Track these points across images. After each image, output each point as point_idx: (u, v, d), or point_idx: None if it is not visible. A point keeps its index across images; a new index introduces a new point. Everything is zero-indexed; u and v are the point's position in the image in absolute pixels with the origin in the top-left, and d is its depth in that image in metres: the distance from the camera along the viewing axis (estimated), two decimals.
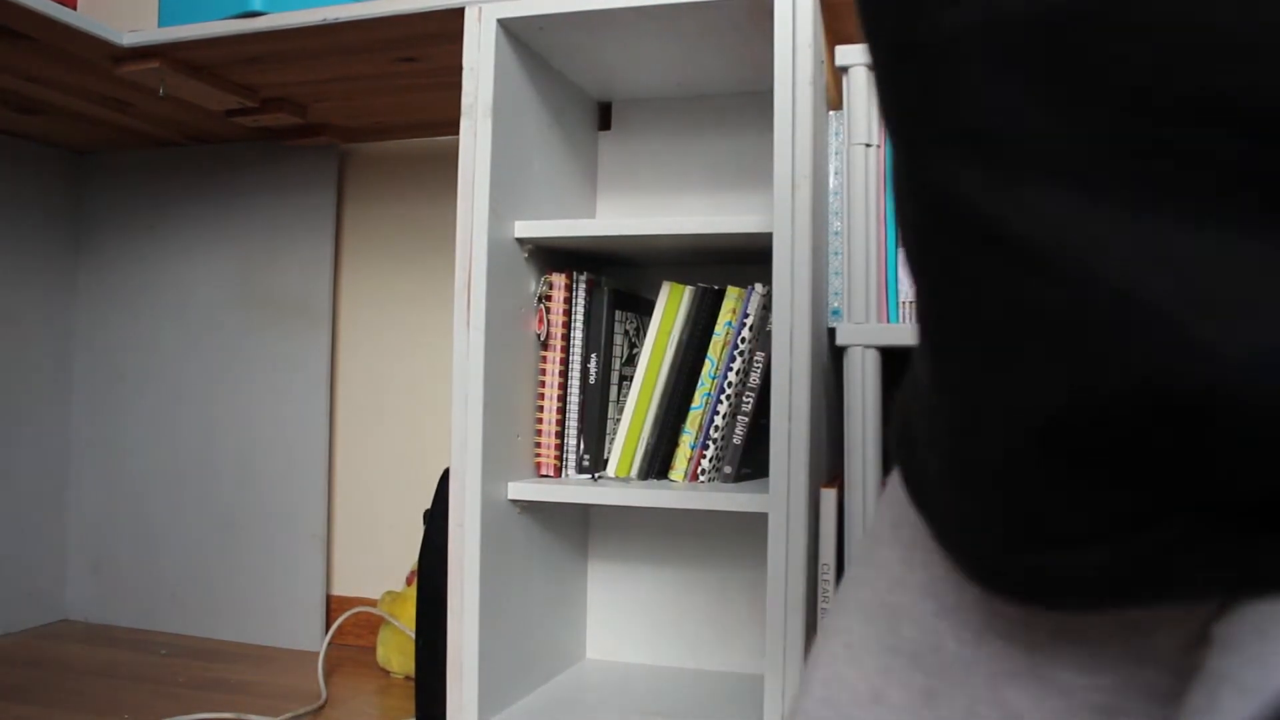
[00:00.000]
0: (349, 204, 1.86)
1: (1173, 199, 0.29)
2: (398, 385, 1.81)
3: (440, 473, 1.36)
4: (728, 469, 1.26)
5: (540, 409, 1.31)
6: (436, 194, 1.80)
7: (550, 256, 1.34)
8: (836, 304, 1.19)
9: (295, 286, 1.81)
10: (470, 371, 1.17)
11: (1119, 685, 0.40)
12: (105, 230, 1.95)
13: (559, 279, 1.31)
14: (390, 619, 1.60)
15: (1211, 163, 0.29)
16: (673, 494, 1.17)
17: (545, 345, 1.32)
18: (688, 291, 1.29)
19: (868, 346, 1.10)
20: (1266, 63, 0.27)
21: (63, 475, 1.94)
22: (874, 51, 0.37)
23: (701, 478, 1.27)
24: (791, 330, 1.09)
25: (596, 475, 1.29)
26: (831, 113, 1.22)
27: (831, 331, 1.20)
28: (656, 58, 1.31)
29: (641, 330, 1.38)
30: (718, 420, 1.26)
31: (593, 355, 1.30)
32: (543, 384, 1.32)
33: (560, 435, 1.31)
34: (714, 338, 1.27)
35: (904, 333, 1.11)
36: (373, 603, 1.71)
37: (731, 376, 1.26)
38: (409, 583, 1.64)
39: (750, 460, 1.28)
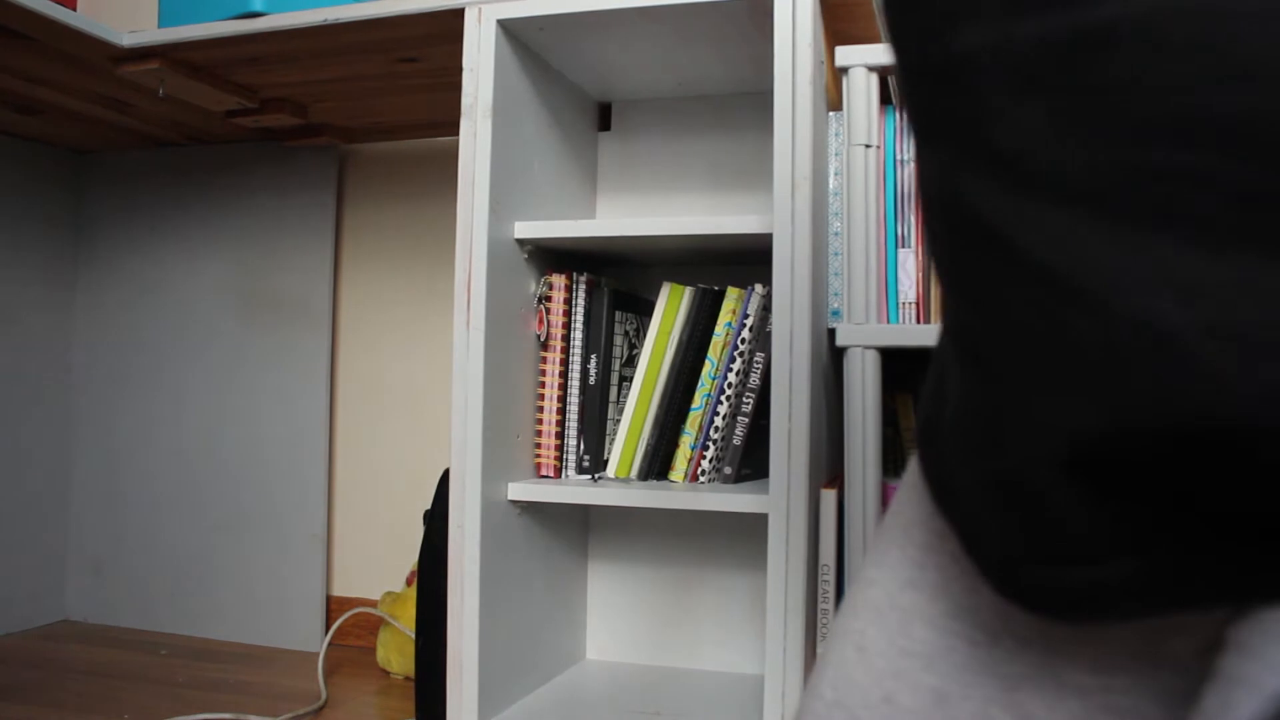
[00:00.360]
0: (349, 204, 1.86)
1: (1188, 224, 0.29)
2: (398, 385, 1.81)
3: (440, 473, 1.36)
4: (728, 469, 1.26)
5: (540, 409, 1.31)
6: (436, 194, 1.80)
7: (550, 257, 1.34)
8: (836, 304, 1.19)
9: (295, 286, 1.81)
10: (470, 371, 1.17)
11: (1133, 687, 0.40)
12: (105, 230, 1.95)
13: (559, 279, 1.31)
14: (390, 619, 1.60)
15: (1224, 188, 0.29)
16: (673, 495, 1.17)
17: (545, 345, 1.32)
18: (688, 292, 1.29)
19: (867, 347, 1.10)
20: (1268, 86, 0.27)
21: (63, 475, 1.94)
22: (899, 70, 0.38)
23: (701, 478, 1.27)
24: (791, 330, 1.09)
25: (596, 476, 1.29)
26: (831, 113, 1.22)
27: (831, 332, 1.20)
28: (656, 58, 1.31)
29: (641, 330, 1.38)
30: (718, 421, 1.26)
31: (593, 355, 1.30)
32: (543, 384, 1.32)
33: (560, 436, 1.31)
34: (714, 338, 1.27)
35: (904, 333, 1.11)
36: (373, 603, 1.71)
37: (731, 377, 1.26)
38: (409, 583, 1.64)
39: (750, 460, 1.28)
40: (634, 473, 1.29)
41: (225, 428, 1.84)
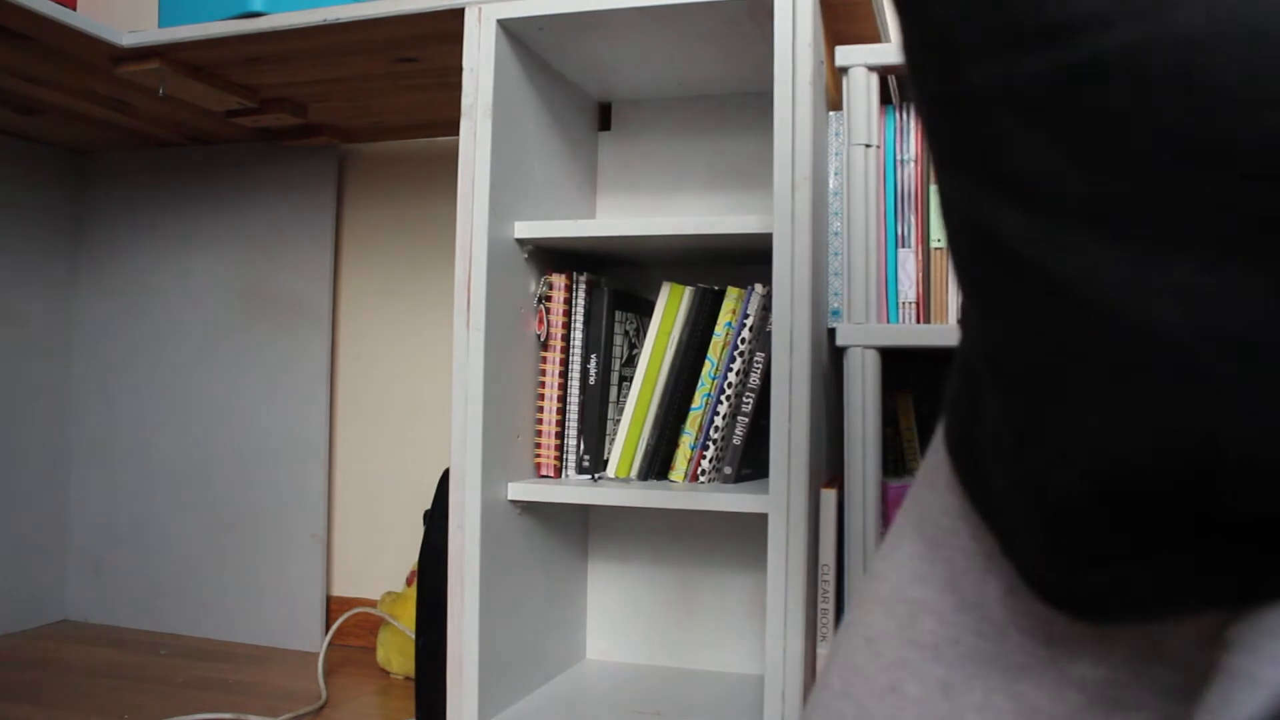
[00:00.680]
0: (349, 204, 1.86)
1: (1192, 244, 0.31)
2: (398, 385, 1.81)
3: (440, 473, 1.36)
4: (728, 469, 1.26)
5: (540, 409, 1.31)
6: (436, 194, 1.80)
7: (550, 256, 1.34)
8: (836, 304, 1.19)
9: (295, 286, 1.81)
10: (470, 371, 1.17)
11: (1132, 680, 0.41)
12: (105, 230, 1.95)
13: (559, 279, 1.31)
14: (390, 619, 1.60)
15: (1223, 208, 0.31)
16: (673, 494, 1.17)
17: (545, 345, 1.32)
18: (688, 292, 1.29)
19: (867, 347, 1.10)
20: (1251, 114, 0.29)
21: (63, 475, 1.94)
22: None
23: (701, 478, 1.27)
24: (791, 330, 1.09)
25: (596, 476, 1.29)
26: (831, 113, 1.22)
27: (831, 331, 1.20)
28: (656, 58, 1.31)
29: (641, 330, 1.38)
30: (718, 421, 1.26)
31: (593, 355, 1.30)
32: (543, 384, 1.32)
33: (560, 436, 1.31)
34: (714, 338, 1.27)
35: (904, 333, 1.11)
36: (373, 603, 1.71)
37: (731, 377, 1.26)
38: (409, 583, 1.64)
39: (750, 460, 1.28)
40: (634, 473, 1.29)
41: (225, 427, 1.84)
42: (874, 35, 1.26)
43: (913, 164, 1.15)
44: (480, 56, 1.19)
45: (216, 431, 1.85)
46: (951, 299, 1.13)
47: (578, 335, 1.31)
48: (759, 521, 1.42)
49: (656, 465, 1.28)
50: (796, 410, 1.08)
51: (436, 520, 1.29)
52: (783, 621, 1.08)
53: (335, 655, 1.72)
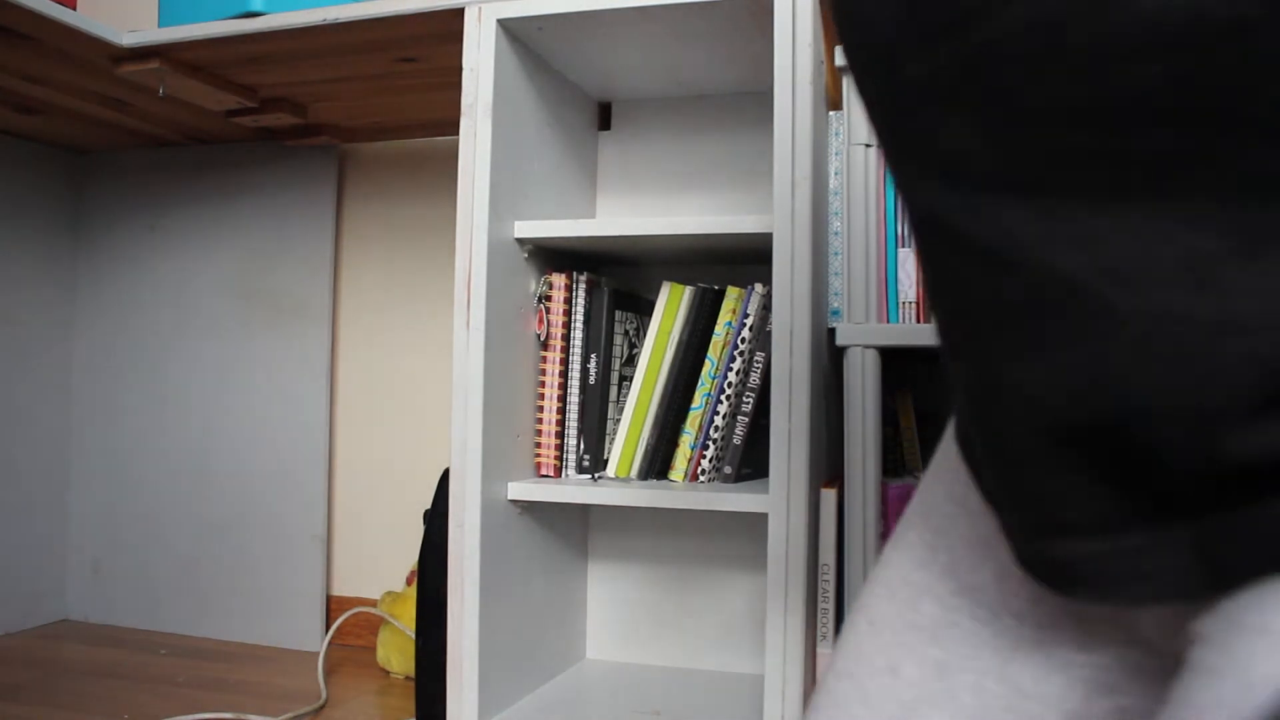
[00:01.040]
0: (349, 204, 1.86)
1: (1087, 192, 0.35)
2: (398, 385, 1.81)
3: (440, 473, 1.36)
4: (728, 469, 1.26)
5: (540, 409, 1.31)
6: (436, 194, 1.80)
7: (550, 256, 1.34)
8: (836, 304, 1.19)
9: (295, 286, 1.81)
10: (470, 371, 1.17)
11: (1113, 664, 0.42)
12: (105, 230, 1.95)
13: (559, 279, 1.31)
14: (390, 619, 1.60)
15: (1106, 156, 0.34)
16: (673, 494, 1.17)
17: (545, 345, 1.32)
18: (688, 291, 1.29)
19: (868, 346, 1.10)
20: (1117, 70, 0.33)
21: (63, 475, 1.94)
22: (864, 101, 0.44)
23: (701, 478, 1.27)
24: (791, 330, 1.09)
25: (596, 475, 1.29)
26: (831, 113, 1.22)
27: (831, 331, 1.20)
28: (656, 58, 1.31)
29: (641, 330, 1.38)
30: (718, 420, 1.26)
31: (593, 355, 1.30)
32: (543, 384, 1.32)
33: (560, 435, 1.31)
34: (714, 338, 1.27)
35: (904, 332, 1.11)
36: (373, 603, 1.71)
37: (731, 376, 1.26)
38: (409, 583, 1.64)
39: (750, 460, 1.28)
40: (634, 472, 1.29)
41: (225, 427, 1.84)
42: None
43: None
44: (480, 56, 1.19)
45: (216, 431, 1.85)
46: None
47: (578, 335, 1.31)
48: (759, 521, 1.42)
49: (656, 465, 1.28)
50: (796, 410, 1.08)
51: (436, 520, 1.29)
52: (783, 621, 1.08)
53: (335, 655, 1.72)
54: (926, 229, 0.41)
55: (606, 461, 1.30)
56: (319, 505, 1.78)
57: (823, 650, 1.14)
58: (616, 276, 1.49)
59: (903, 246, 1.14)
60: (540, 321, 1.30)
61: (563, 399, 1.31)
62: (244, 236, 1.85)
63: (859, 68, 0.43)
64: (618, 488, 1.20)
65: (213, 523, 1.84)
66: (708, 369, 1.27)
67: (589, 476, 1.29)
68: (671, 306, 1.29)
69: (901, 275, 1.14)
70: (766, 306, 1.25)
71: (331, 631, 1.65)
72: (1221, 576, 0.34)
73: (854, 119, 1.14)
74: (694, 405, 1.28)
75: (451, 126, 1.72)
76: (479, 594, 1.16)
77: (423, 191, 1.81)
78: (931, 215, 0.40)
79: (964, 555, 0.48)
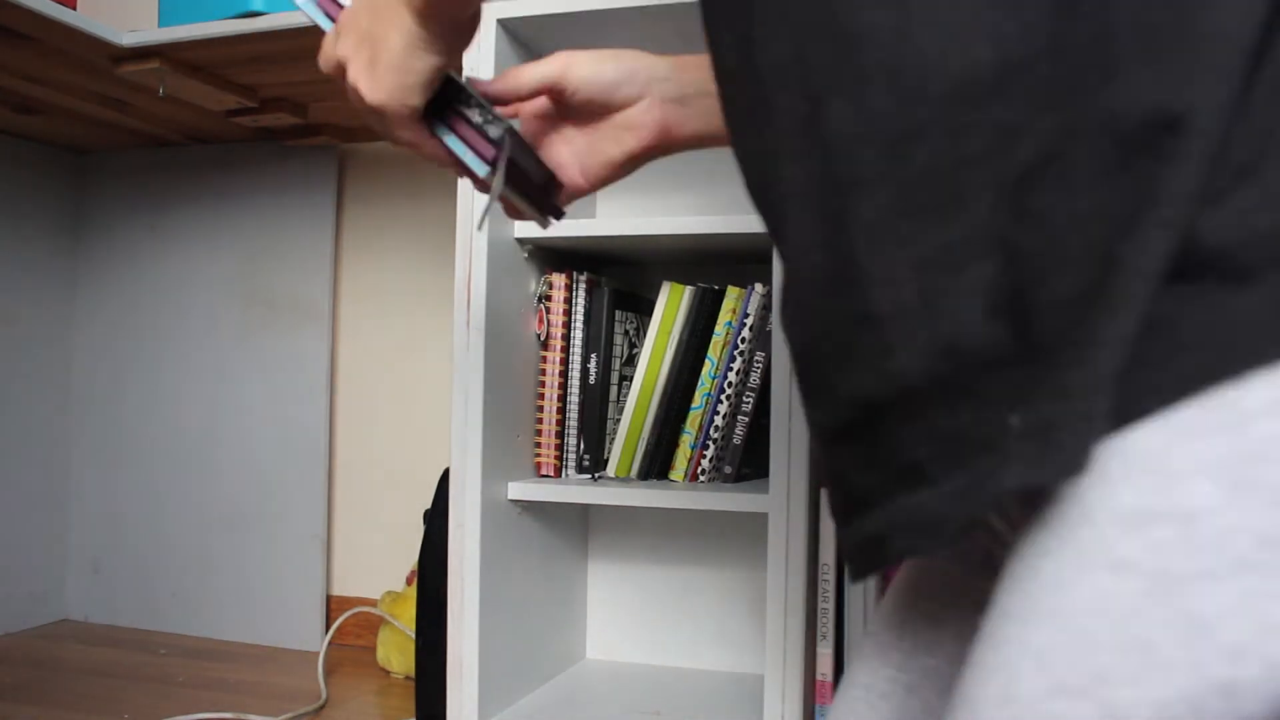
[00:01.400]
0: (349, 204, 1.86)
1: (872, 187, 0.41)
2: (398, 385, 1.81)
3: (440, 473, 1.36)
4: (728, 469, 1.26)
5: (540, 409, 1.31)
6: (436, 194, 1.80)
7: (550, 256, 1.34)
8: None
9: (295, 286, 1.81)
10: (470, 371, 1.17)
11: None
12: (105, 230, 1.95)
13: (559, 279, 1.31)
14: (390, 619, 1.60)
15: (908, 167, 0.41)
16: (673, 494, 1.17)
17: (545, 345, 1.32)
18: (688, 291, 1.29)
19: None
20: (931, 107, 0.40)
21: (63, 475, 1.94)
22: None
23: (701, 478, 1.27)
24: None
25: (596, 475, 1.29)
26: None
27: None
28: None
29: (641, 330, 1.38)
30: (718, 420, 1.26)
31: (593, 355, 1.30)
32: (543, 384, 1.32)
33: (560, 435, 1.31)
34: (714, 338, 1.27)
35: None
36: (373, 603, 1.71)
37: (731, 376, 1.26)
38: (409, 583, 1.64)
39: (750, 460, 1.28)
40: (634, 472, 1.28)
41: (225, 427, 1.84)
42: None
43: None
44: (480, 56, 1.19)
45: (216, 431, 1.85)
46: None
47: (578, 335, 1.31)
48: (759, 521, 1.42)
49: (656, 465, 1.28)
50: (797, 410, 1.08)
51: (436, 520, 1.29)
52: (783, 621, 1.08)
53: (335, 655, 1.72)
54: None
55: (606, 461, 1.30)
56: (319, 505, 1.78)
57: (823, 650, 1.14)
58: (616, 276, 1.49)
59: None
60: (540, 321, 1.30)
61: (563, 399, 1.31)
62: (244, 236, 1.85)
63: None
64: (618, 488, 1.20)
65: (213, 522, 1.84)
66: (708, 369, 1.27)
67: (589, 476, 1.29)
68: (671, 306, 1.29)
69: None
70: (766, 306, 1.25)
71: (331, 631, 1.65)
72: (981, 502, 0.38)
73: None
74: (694, 405, 1.28)
75: None
76: (479, 594, 1.16)
77: (423, 191, 1.81)
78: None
79: (928, 564, 0.60)
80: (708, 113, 0.73)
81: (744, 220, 1.17)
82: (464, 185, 1.19)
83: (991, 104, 0.37)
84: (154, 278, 1.91)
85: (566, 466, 1.30)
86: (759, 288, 1.26)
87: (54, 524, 1.92)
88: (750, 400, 1.25)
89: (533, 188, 0.70)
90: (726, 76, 0.51)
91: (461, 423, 1.17)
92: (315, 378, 1.79)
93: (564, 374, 1.31)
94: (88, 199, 1.96)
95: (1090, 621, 0.34)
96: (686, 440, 1.28)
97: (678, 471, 1.28)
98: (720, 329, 1.27)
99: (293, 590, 1.78)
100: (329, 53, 0.60)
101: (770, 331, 1.15)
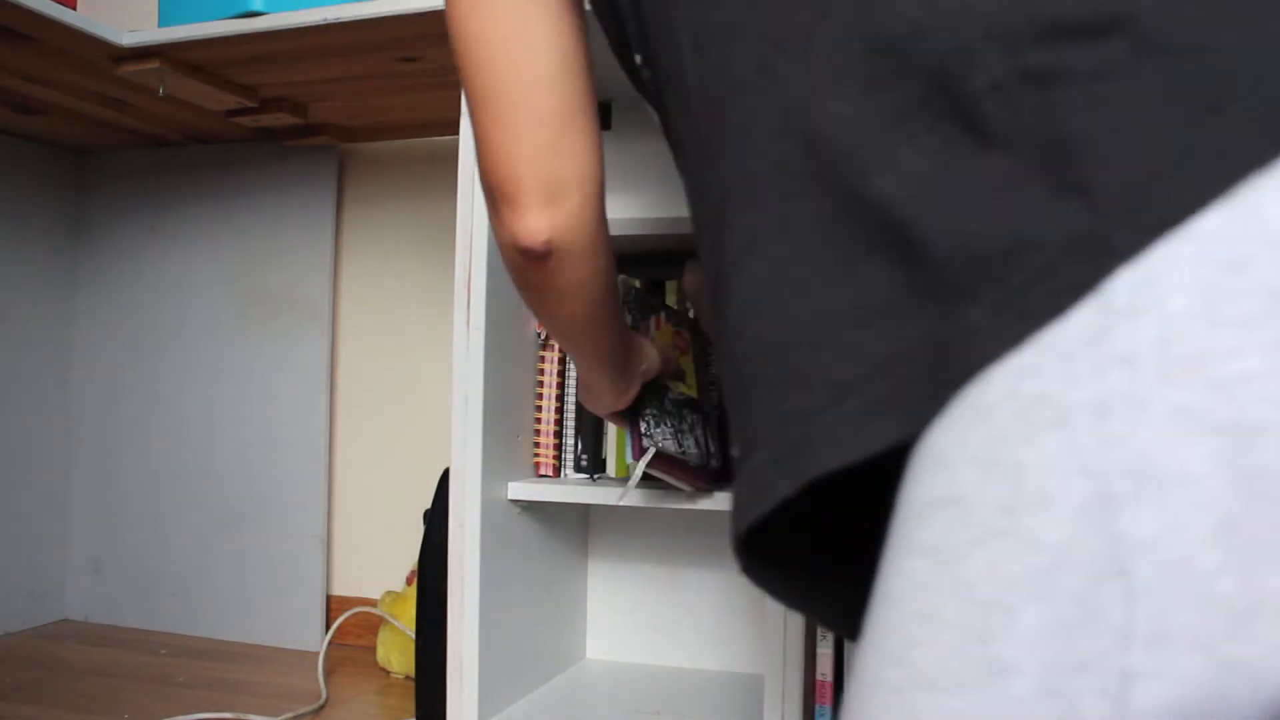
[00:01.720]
0: (349, 204, 1.86)
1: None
2: (398, 385, 1.81)
3: (440, 473, 1.36)
4: (714, 464, 1.25)
5: (539, 409, 1.31)
6: (436, 194, 1.80)
7: None
8: None
9: (295, 286, 1.81)
10: (470, 371, 1.17)
11: None
12: (105, 230, 1.95)
13: None
14: (390, 619, 1.60)
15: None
16: (672, 494, 1.17)
17: (545, 345, 1.32)
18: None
19: None
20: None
21: (63, 475, 1.94)
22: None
23: None
24: None
25: (595, 475, 1.29)
26: None
27: None
28: None
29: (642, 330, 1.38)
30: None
31: None
32: (542, 384, 1.32)
33: (559, 435, 1.31)
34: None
35: None
36: (373, 603, 1.71)
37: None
38: (409, 583, 1.64)
39: None
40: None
41: (225, 427, 1.84)
42: None
43: None
44: None
45: (216, 431, 1.85)
46: None
47: None
48: None
49: None
50: None
51: (436, 520, 1.29)
52: (783, 621, 1.08)
53: (335, 655, 1.72)
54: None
55: (605, 461, 1.30)
56: (319, 505, 1.78)
57: (823, 650, 1.14)
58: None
59: None
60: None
61: (561, 399, 1.31)
62: (244, 236, 1.85)
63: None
64: (617, 487, 1.20)
65: (213, 523, 1.84)
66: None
67: (587, 476, 1.29)
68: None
69: None
70: None
71: (331, 631, 1.65)
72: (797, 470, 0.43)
73: None
74: None
75: (451, 126, 1.72)
76: (479, 594, 1.16)
77: (423, 191, 1.81)
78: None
79: None
80: None
81: None
82: (464, 185, 1.19)
83: None
84: (154, 278, 1.91)
85: (565, 466, 1.31)
86: None
87: (54, 524, 1.92)
88: None
89: (679, 471, 1.00)
90: None
91: (461, 423, 1.17)
92: (315, 378, 1.79)
93: (562, 374, 1.31)
94: (88, 199, 1.97)
95: (902, 598, 0.40)
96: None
97: None
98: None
99: (293, 590, 1.78)
100: None
101: None
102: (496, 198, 0.61)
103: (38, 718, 1.39)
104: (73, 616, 1.94)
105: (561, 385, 1.31)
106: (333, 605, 1.80)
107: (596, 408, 0.91)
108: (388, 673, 1.63)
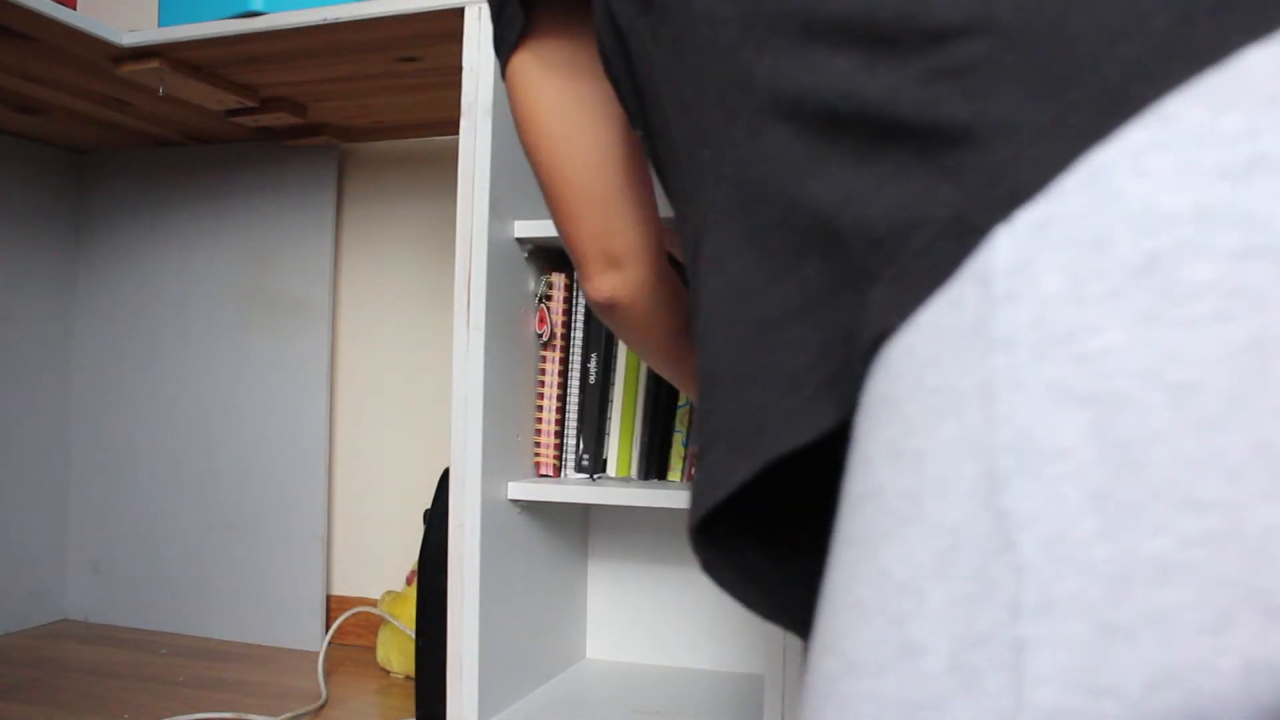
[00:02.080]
0: (349, 204, 1.86)
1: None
2: (398, 385, 1.81)
3: (440, 473, 1.36)
4: None
5: (540, 409, 1.31)
6: (436, 194, 1.80)
7: (550, 256, 1.34)
8: None
9: (295, 286, 1.81)
10: (470, 371, 1.17)
11: None
12: (105, 230, 1.95)
13: (559, 279, 1.31)
14: (390, 619, 1.60)
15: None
16: (672, 494, 1.17)
17: (545, 345, 1.32)
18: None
19: None
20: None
21: (63, 475, 1.94)
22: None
23: None
24: None
25: (595, 475, 1.29)
26: None
27: None
28: None
29: None
30: None
31: (593, 355, 1.30)
32: (542, 384, 1.32)
33: (560, 435, 1.31)
34: None
35: None
36: (373, 603, 1.71)
37: None
38: (409, 583, 1.64)
39: None
40: (634, 472, 1.29)
41: (225, 427, 1.84)
42: None
43: None
44: (480, 56, 1.19)
45: (216, 431, 1.85)
46: None
47: (578, 334, 1.31)
48: None
49: (655, 464, 1.28)
50: None
51: (436, 520, 1.29)
52: None
53: (335, 655, 1.72)
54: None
55: (605, 461, 1.30)
56: (319, 505, 1.78)
57: None
58: None
59: None
60: (542, 321, 1.30)
61: (562, 399, 1.31)
62: (244, 236, 1.85)
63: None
64: (617, 487, 1.20)
65: (213, 522, 1.84)
66: None
67: (588, 476, 1.29)
68: None
69: None
70: None
71: (331, 631, 1.65)
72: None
73: None
74: (680, 403, 1.28)
75: (451, 126, 1.72)
76: (479, 594, 1.16)
77: (423, 191, 1.81)
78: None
79: None
80: None
81: None
82: (464, 185, 1.19)
83: None
84: (154, 277, 1.91)
85: (565, 466, 1.31)
86: None
87: (54, 524, 1.92)
88: None
89: None
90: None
91: (461, 423, 1.17)
92: (315, 378, 1.79)
93: (563, 374, 1.31)
94: (88, 199, 1.97)
95: (836, 589, 0.42)
96: (679, 438, 1.28)
97: (676, 471, 1.28)
98: None
99: (293, 590, 1.78)
100: None
101: None
102: (573, 262, 0.76)
103: (38, 718, 1.39)
104: (73, 616, 1.94)
105: (562, 385, 1.31)
106: (333, 605, 1.80)
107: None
108: (388, 672, 1.63)
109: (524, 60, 0.69)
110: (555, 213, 0.73)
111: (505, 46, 0.70)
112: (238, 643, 1.80)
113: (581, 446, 1.30)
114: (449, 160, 1.79)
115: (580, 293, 1.31)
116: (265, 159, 1.84)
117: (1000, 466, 0.36)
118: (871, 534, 0.40)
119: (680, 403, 1.28)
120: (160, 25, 1.36)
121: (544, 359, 1.32)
